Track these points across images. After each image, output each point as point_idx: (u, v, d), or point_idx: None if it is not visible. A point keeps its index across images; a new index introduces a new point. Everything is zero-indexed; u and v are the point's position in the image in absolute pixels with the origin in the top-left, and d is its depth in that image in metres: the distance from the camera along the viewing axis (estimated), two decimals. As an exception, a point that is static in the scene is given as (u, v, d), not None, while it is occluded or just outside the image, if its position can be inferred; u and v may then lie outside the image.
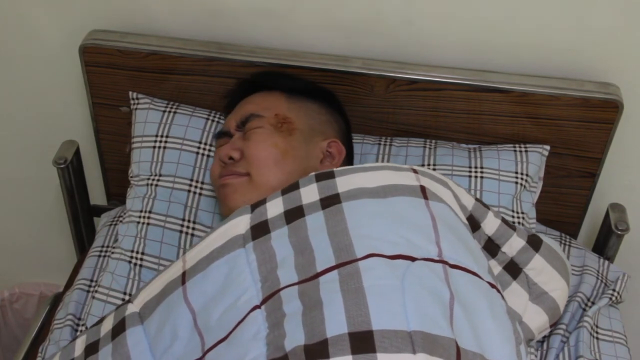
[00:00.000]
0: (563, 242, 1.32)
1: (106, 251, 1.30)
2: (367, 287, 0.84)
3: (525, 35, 1.25)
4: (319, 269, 0.88)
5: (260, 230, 0.95)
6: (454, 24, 1.25)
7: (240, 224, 0.97)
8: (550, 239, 1.16)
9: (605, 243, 1.33)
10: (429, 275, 0.87)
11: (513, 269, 1.07)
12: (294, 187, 0.99)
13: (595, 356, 1.15)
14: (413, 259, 0.88)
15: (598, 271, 1.28)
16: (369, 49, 1.29)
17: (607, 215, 1.34)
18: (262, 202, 0.99)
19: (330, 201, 0.95)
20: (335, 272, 0.87)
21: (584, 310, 1.21)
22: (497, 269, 1.07)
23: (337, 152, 1.16)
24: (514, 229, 1.09)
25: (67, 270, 1.44)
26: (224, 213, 1.13)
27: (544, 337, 1.20)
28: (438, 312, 0.83)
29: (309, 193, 0.97)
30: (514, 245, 1.08)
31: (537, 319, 1.08)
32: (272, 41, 1.31)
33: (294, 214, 0.95)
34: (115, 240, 1.29)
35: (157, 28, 1.33)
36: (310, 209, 0.95)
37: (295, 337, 0.81)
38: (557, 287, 1.09)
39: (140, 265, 1.22)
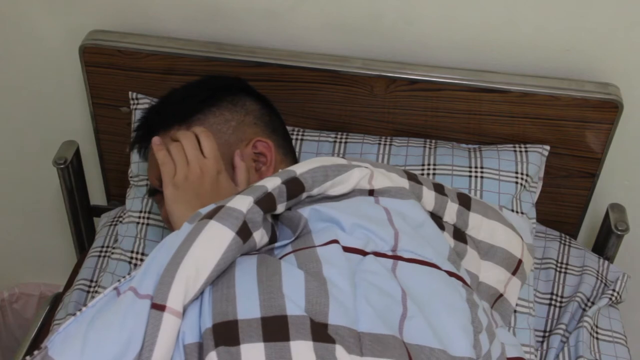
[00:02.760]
0: (563, 242, 1.32)
1: (106, 251, 1.30)
2: (326, 275, 0.83)
3: (525, 35, 1.25)
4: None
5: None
6: (454, 24, 1.25)
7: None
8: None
9: (605, 243, 1.33)
10: (380, 270, 0.86)
11: (460, 235, 1.06)
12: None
13: (595, 356, 1.16)
14: (364, 254, 0.88)
15: (598, 271, 1.28)
16: (369, 49, 1.29)
17: (606, 215, 1.34)
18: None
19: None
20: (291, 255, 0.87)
21: (584, 310, 1.21)
22: (451, 241, 1.05)
23: (265, 149, 1.08)
24: (446, 194, 1.08)
25: (67, 271, 1.44)
26: None
27: (544, 337, 1.20)
28: (387, 310, 0.82)
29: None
30: (450, 211, 1.06)
31: (492, 275, 1.06)
32: (272, 41, 1.31)
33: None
34: (115, 241, 1.29)
35: (157, 28, 1.33)
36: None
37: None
38: (500, 235, 1.08)
39: (140, 265, 1.22)
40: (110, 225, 1.35)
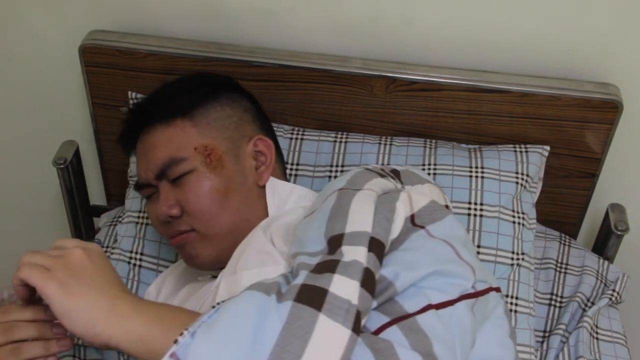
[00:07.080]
0: (563, 242, 1.32)
1: (105, 251, 1.30)
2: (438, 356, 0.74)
3: (525, 35, 1.25)
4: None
5: None
6: (454, 24, 1.25)
7: None
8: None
9: (605, 243, 1.33)
10: (470, 318, 0.82)
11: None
12: None
13: (595, 356, 1.16)
14: (453, 303, 0.80)
15: (598, 271, 1.28)
16: (369, 49, 1.29)
17: (606, 215, 1.34)
18: None
19: None
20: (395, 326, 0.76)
21: (584, 310, 1.21)
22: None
23: (265, 148, 1.07)
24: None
25: (66, 271, 1.44)
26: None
27: (544, 337, 1.20)
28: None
29: None
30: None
31: (420, 200, 0.92)
32: (272, 41, 1.31)
33: None
34: (115, 241, 1.29)
35: (157, 28, 1.33)
36: None
37: None
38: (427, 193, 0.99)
39: (140, 266, 1.22)
40: (110, 225, 1.35)
